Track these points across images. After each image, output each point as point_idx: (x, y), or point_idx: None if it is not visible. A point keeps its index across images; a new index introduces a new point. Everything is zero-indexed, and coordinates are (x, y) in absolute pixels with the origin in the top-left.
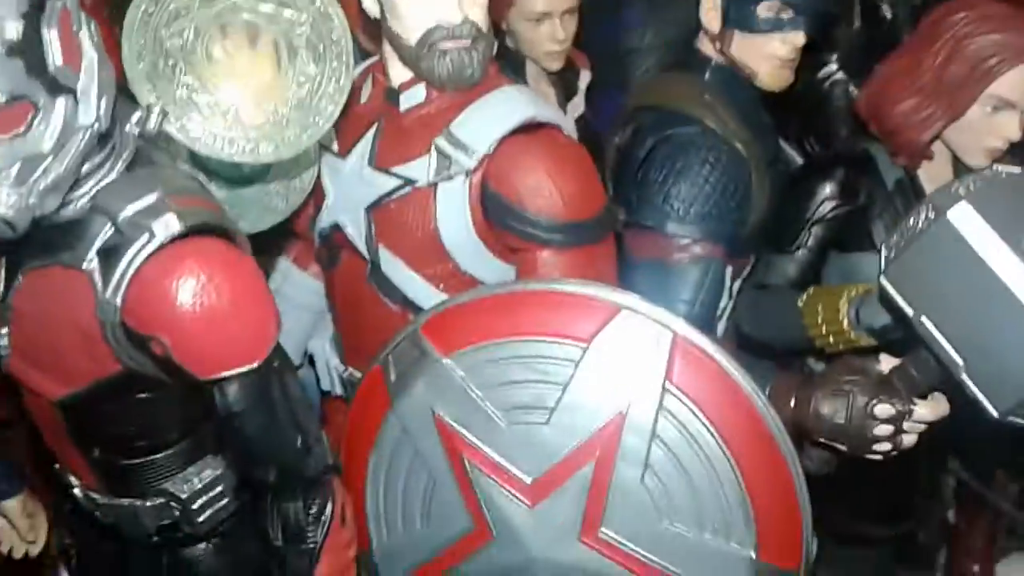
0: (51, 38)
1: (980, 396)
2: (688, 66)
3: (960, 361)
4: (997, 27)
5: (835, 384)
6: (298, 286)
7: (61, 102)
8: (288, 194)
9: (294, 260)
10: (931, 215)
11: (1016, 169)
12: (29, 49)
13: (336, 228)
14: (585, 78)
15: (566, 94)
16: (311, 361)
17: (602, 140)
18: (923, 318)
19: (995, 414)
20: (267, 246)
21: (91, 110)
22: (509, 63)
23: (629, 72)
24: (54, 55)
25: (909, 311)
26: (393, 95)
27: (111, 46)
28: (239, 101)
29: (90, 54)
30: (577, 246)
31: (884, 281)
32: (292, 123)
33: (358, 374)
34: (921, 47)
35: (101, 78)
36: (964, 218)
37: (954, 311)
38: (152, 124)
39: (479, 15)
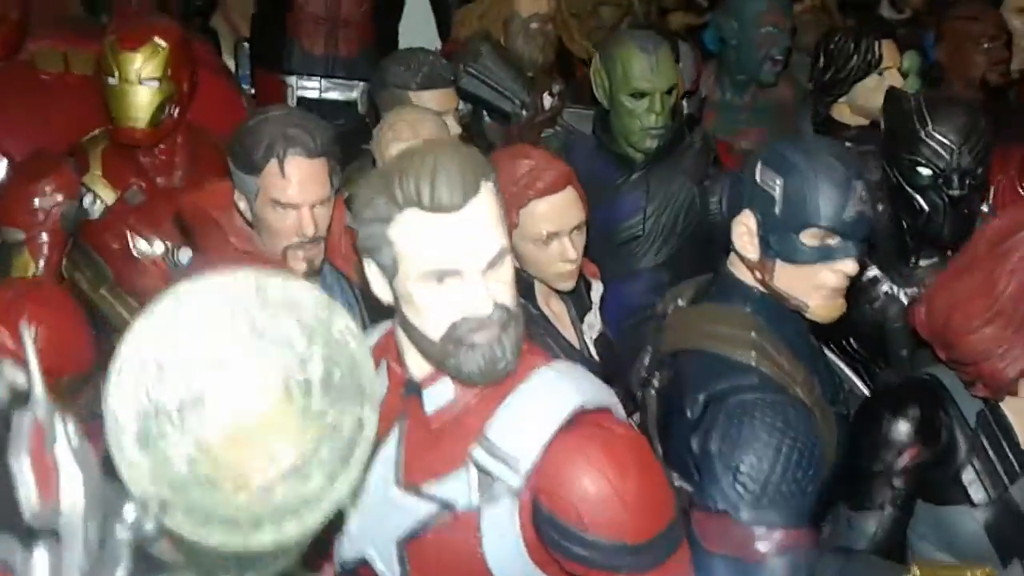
0: (22, 473)
1: None
2: (723, 296)
3: None
4: None
5: None
6: None
7: (41, 554)
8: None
9: None
10: None
11: None
12: None
13: (363, 562)
14: (598, 289)
15: (579, 311)
16: None
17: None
18: None
19: None
20: None
21: (77, 547)
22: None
23: (628, 262)
24: (28, 497)
25: None
26: (414, 389)
27: None
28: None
29: (69, 469)
30: (651, 569)
31: None
32: (313, 479)
33: None
34: (991, 266)
35: (87, 496)
36: None
37: None
38: (150, 523)
39: (507, 295)
